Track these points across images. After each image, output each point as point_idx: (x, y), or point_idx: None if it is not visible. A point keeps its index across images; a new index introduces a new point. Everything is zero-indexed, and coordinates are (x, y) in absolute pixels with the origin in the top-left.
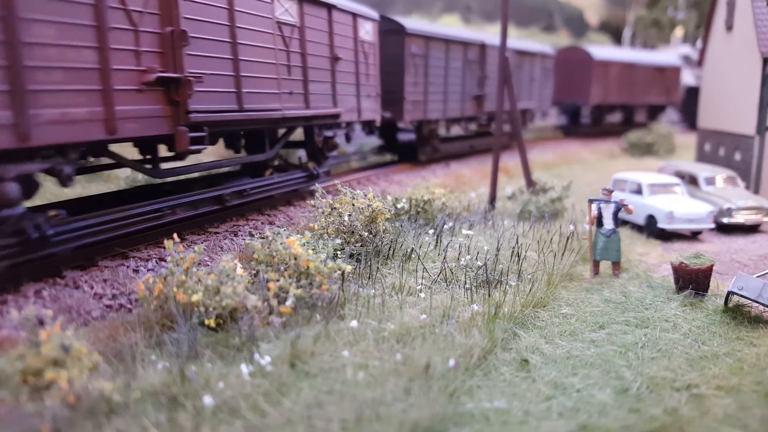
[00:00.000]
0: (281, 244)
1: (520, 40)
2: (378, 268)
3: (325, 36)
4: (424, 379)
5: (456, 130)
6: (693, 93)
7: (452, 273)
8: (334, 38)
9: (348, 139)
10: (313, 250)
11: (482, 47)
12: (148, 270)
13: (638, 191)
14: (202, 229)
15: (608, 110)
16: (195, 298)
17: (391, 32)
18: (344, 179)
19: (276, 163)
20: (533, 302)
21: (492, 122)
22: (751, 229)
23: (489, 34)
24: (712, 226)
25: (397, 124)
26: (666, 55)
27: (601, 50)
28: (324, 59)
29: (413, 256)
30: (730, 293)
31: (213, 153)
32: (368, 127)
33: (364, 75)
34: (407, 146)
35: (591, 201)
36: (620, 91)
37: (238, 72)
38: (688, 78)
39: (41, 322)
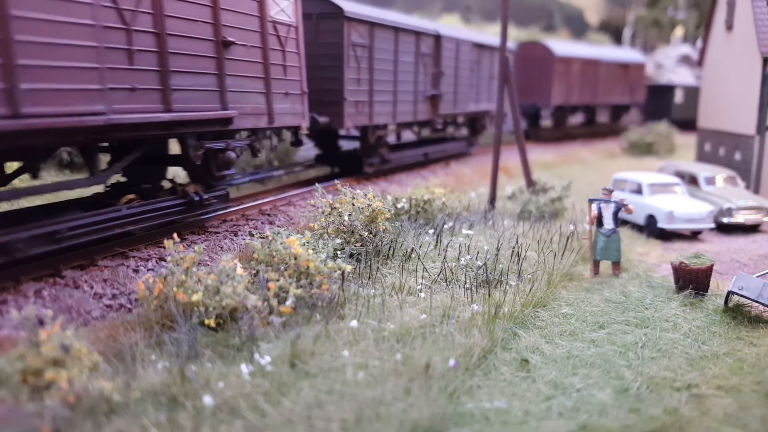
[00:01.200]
0: (281, 243)
1: (479, 32)
2: (378, 267)
3: (205, 11)
4: (424, 378)
5: (408, 135)
6: (654, 91)
7: (452, 273)
8: (220, 14)
9: (254, 152)
10: (313, 249)
11: (437, 38)
12: (148, 270)
13: (638, 191)
14: (202, 229)
15: (571, 111)
16: (195, 297)
17: (326, 16)
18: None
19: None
20: (533, 302)
21: (449, 126)
22: (751, 228)
23: (443, 23)
24: (712, 225)
25: (339, 131)
26: (630, 52)
27: (563, 45)
28: (203, 43)
29: (413, 255)
30: (730, 293)
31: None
32: (294, 135)
33: (279, 67)
34: (350, 157)
35: (591, 201)
36: (583, 91)
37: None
38: (662, 76)
39: (41, 322)
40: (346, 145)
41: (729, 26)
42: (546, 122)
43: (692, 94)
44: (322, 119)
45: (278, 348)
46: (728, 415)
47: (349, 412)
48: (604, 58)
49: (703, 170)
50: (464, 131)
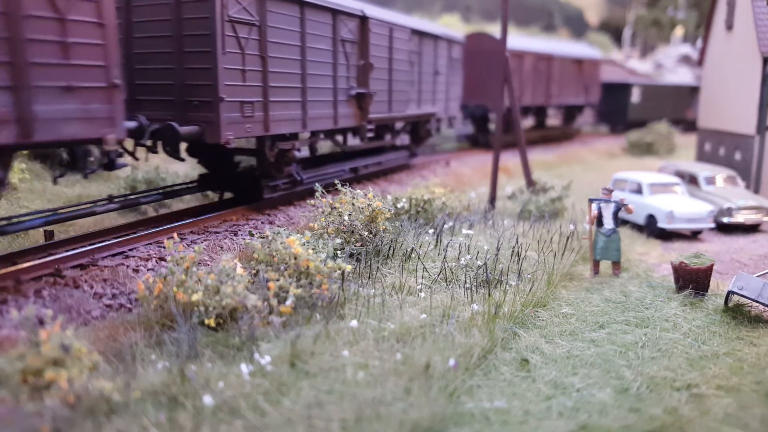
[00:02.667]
0: (281, 243)
1: (420, 20)
2: (378, 267)
3: None
4: (424, 378)
5: (332, 144)
6: (609, 90)
7: (452, 272)
8: None
9: None
10: (313, 249)
11: (363, 20)
12: (148, 269)
13: (638, 191)
14: (202, 229)
15: (522, 113)
16: (195, 297)
17: None
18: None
19: None
20: (533, 302)
21: (387, 133)
22: (752, 228)
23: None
24: (713, 225)
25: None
26: (584, 47)
27: (513, 38)
28: None
29: (413, 255)
30: (730, 293)
31: None
32: (103, 153)
33: (50, 45)
34: (249, 177)
35: (591, 200)
36: (536, 90)
37: None
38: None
39: (41, 322)
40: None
41: (729, 26)
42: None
43: (650, 93)
44: (187, 128)
45: (278, 348)
46: (728, 415)
47: (349, 412)
48: (557, 53)
49: (703, 170)
50: (405, 139)
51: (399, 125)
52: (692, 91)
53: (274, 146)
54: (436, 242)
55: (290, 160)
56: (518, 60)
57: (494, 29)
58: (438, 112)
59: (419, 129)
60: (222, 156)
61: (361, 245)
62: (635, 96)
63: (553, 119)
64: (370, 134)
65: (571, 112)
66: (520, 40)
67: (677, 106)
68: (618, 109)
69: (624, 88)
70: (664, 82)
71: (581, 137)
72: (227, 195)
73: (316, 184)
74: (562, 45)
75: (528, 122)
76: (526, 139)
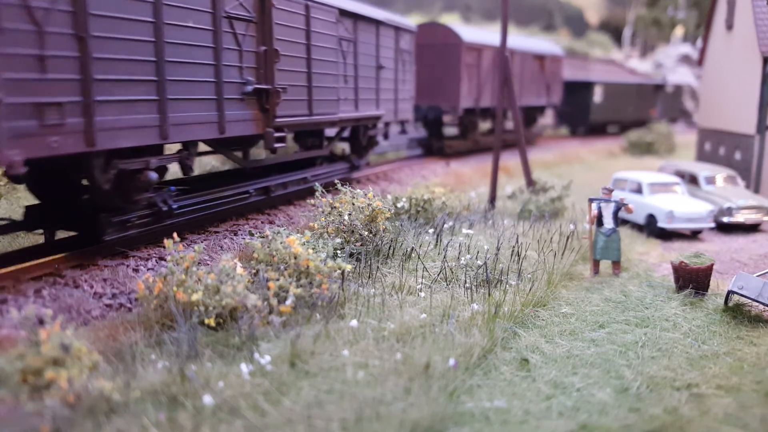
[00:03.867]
0: (281, 243)
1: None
2: (378, 267)
3: None
4: (424, 378)
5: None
6: (571, 90)
7: (452, 272)
8: None
9: None
10: (313, 249)
11: None
12: (148, 269)
13: (638, 190)
14: (202, 228)
15: (481, 116)
16: (195, 297)
17: None
18: None
19: None
20: (533, 301)
21: (312, 143)
22: (752, 228)
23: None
24: (713, 225)
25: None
26: (546, 42)
27: (471, 31)
28: None
29: (413, 255)
30: (730, 292)
31: None
32: None
33: None
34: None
35: (591, 200)
36: (496, 89)
37: None
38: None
39: (41, 322)
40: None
41: (729, 26)
42: (451, 130)
43: (613, 92)
44: None
45: (278, 347)
46: (728, 415)
47: (349, 412)
48: (519, 48)
49: (703, 170)
50: (344, 148)
51: (330, 131)
52: (656, 90)
53: (109, 165)
54: (436, 242)
55: (143, 185)
56: (476, 55)
57: (494, 29)
58: (384, 114)
59: (359, 136)
60: (60, 180)
61: (361, 245)
62: (598, 95)
63: (511, 121)
64: (279, 144)
65: (531, 114)
66: (479, 33)
67: (641, 105)
68: (579, 110)
69: (586, 87)
70: (627, 80)
71: (543, 142)
72: (64, 233)
73: (316, 184)
74: (522, 39)
75: (486, 126)
76: (483, 144)
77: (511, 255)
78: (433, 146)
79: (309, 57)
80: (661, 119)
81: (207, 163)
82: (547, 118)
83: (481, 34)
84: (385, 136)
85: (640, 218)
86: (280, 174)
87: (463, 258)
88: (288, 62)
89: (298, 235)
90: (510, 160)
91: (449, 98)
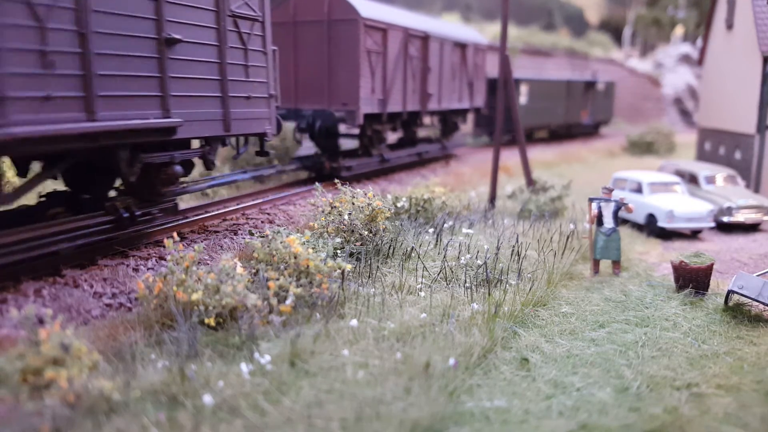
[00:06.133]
0: (281, 242)
1: None
2: (378, 266)
3: None
4: (424, 378)
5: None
6: (491, 89)
7: (452, 272)
8: None
9: None
10: (313, 248)
11: None
12: (148, 269)
13: (638, 190)
14: (203, 228)
15: (389, 123)
16: (195, 296)
17: None
18: None
19: None
20: (533, 301)
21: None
22: (752, 227)
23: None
24: (713, 224)
25: None
26: (465, 28)
27: (370, 4)
28: None
29: (413, 254)
30: (730, 292)
31: None
32: None
33: None
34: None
35: (591, 200)
36: (408, 87)
37: None
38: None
39: (41, 321)
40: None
41: (729, 25)
42: (349, 143)
43: (539, 91)
44: None
45: (278, 347)
46: (728, 414)
47: (349, 411)
48: (434, 33)
49: (703, 169)
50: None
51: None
52: (587, 88)
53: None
54: (436, 241)
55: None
56: (380, 37)
57: (494, 28)
58: (184, 125)
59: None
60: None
61: (361, 244)
62: (523, 96)
63: (426, 129)
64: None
65: (451, 120)
66: (379, 6)
67: (571, 107)
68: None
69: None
70: (556, 77)
71: (468, 154)
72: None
73: (316, 183)
74: (436, 22)
75: (393, 137)
76: (395, 162)
77: (511, 254)
78: (325, 167)
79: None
80: (588, 124)
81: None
82: (467, 126)
83: (386, 9)
84: (207, 164)
85: (640, 218)
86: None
87: (463, 257)
88: (128, 47)
89: (298, 234)
90: (510, 160)
91: (344, 99)
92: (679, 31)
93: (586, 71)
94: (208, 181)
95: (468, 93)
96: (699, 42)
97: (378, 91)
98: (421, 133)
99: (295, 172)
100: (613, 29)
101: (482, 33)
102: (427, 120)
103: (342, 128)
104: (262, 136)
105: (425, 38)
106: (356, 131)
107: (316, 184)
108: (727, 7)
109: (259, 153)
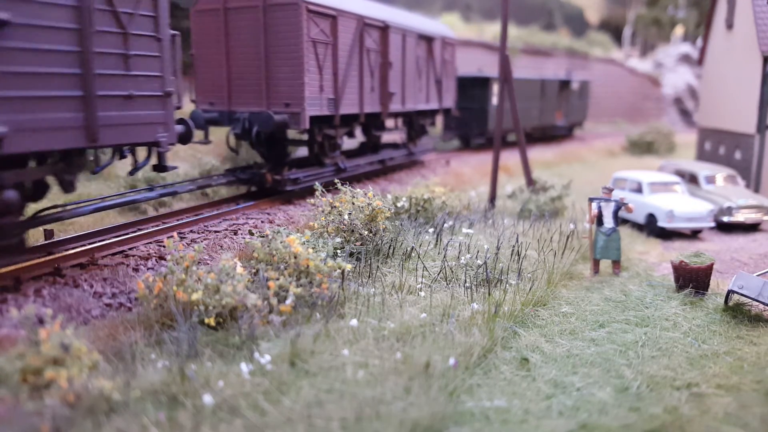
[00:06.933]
0: (281, 242)
1: None
2: (378, 266)
3: None
4: (424, 377)
5: None
6: (463, 88)
7: (452, 272)
8: None
9: None
10: (313, 248)
11: None
12: (148, 269)
13: (638, 190)
14: (203, 228)
15: (344, 126)
16: (195, 296)
17: None
18: None
19: None
20: (533, 301)
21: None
22: (752, 227)
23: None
24: (713, 224)
25: None
26: (432, 21)
27: None
28: None
29: (413, 254)
30: (730, 292)
31: None
32: None
33: None
34: None
35: (591, 200)
36: (365, 85)
37: None
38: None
39: (41, 321)
40: None
41: (729, 25)
42: (299, 151)
43: (515, 90)
44: None
45: (278, 347)
46: (728, 414)
47: (349, 411)
48: (397, 24)
49: (703, 169)
50: None
51: None
52: (563, 87)
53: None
54: (436, 241)
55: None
56: (329, 26)
57: (494, 28)
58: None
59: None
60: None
61: (361, 244)
62: (495, 96)
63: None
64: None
65: (418, 123)
66: None
67: (546, 108)
68: (475, 116)
69: (482, 85)
70: (531, 76)
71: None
72: None
73: (316, 183)
74: (399, 13)
75: (352, 143)
76: (351, 171)
77: (511, 254)
78: (266, 180)
79: None
80: (563, 126)
81: (207, 162)
82: (435, 131)
83: None
84: (63, 185)
85: (640, 218)
86: None
87: (463, 257)
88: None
89: (298, 234)
90: (510, 160)
91: (286, 99)
92: (679, 30)
93: (560, 70)
94: (90, 204)
95: (436, 92)
96: (699, 42)
97: (328, 90)
98: (388, 137)
99: (233, 187)
100: (613, 29)
101: (482, 33)
102: (390, 123)
103: (294, 133)
104: (154, 146)
105: (384, 28)
106: (305, 137)
107: (316, 183)
108: (727, 7)
109: (157, 168)
